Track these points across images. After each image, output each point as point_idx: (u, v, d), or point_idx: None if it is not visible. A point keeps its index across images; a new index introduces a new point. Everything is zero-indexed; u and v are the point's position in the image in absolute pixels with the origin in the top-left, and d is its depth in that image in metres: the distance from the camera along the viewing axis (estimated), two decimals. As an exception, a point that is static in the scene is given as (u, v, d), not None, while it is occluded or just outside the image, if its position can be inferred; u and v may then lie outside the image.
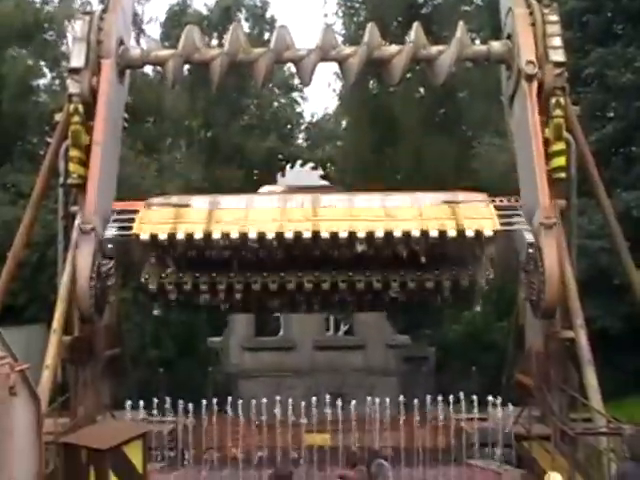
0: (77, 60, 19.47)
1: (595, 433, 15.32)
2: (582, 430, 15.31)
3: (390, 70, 20.89)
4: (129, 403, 18.51)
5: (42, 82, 36.74)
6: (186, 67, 23.86)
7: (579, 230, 20.98)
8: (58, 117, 20.18)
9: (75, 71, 19.40)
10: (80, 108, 19.02)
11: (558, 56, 19.25)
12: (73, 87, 19.21)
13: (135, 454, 11.38)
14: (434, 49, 20.50)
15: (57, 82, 36.35)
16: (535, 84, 19.14)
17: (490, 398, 18.12)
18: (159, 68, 28.64)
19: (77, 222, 18.49)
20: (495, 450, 18.04)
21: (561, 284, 17.61)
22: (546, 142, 18.97)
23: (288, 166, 26.53)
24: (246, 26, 39.25)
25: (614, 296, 23.04)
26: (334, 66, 22.96)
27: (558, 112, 18.86)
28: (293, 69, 34.85)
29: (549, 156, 18.95)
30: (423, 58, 20.93)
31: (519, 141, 20.32)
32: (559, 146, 18.89)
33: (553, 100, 18.88)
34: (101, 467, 10.74)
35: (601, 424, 15.38)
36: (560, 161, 18.92)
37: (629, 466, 8.43)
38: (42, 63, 36.39)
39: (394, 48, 20.70)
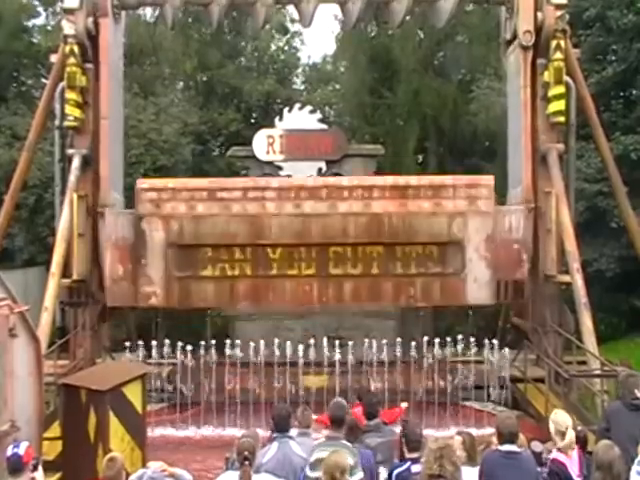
0: (72, 0, 19.17)
1: (589, 375, 15.54)
2: (576, 372, 15.51)
3: (391, 12, 20.61)
4: (128, 345, 18.76)
5: (36, 22, 36.11)
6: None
7: (577, 173, 20.96)
8: (53, 58, 19.98)
9: (70, 11, 19.13)
10: (76, 49, 18.81)
11: (559, -3, 18.98)
12: (68, 28, 18.96)
13: (134, 395, 11.49)
14: (435, -10, 20.16)
15: (52, 22, 35.69)
16: (530, 54, 19.00)
17: (486, 341, 18.34)
18: (153, 9, 28.45)
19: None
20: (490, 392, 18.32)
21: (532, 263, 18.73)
22: (546, 85, 18.90)
23: (286, 109, 26.18)
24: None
25: (611, 239, 23.11)
26: (333, 8, 22.60)
27: (558, 55, 18.68)
28: (292, 13, 34.48)
29: (548, 99, 18.87)
30: (425, 0, 20.61)
31: (511, 100, 20.37)
32: (559, 89, 18.75)
33: (553, 43, 18.68)
34: (101, 408, 10.84)
35: (595, 366, 15.56)
36: (559, 105, 18.81)
37: (615, 405, 8.58)
38: (36, 2, 35.68)
39: (395, -12, 20.32)
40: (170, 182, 19.58)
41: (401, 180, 19.28)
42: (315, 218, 18.47)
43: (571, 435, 7.55)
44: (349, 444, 7.42)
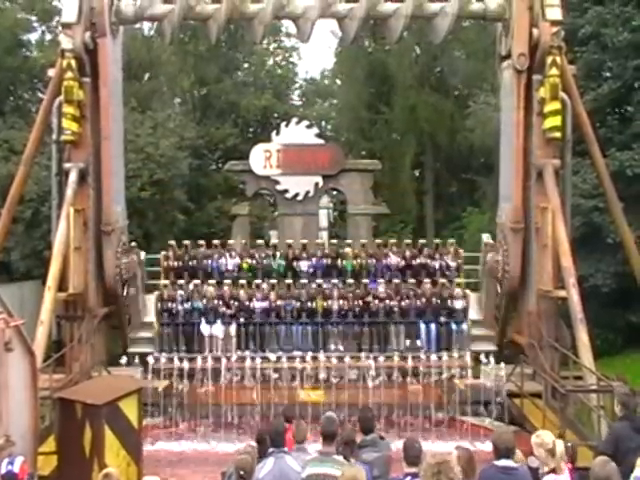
0: (69, 15, 19.24)
1: (586, 390, 15.50)
2: (573, 387, 15.49)
3: (389, 28, 20.69)
4: (124, 359, 18.73)
5: (32, 37, 36.22)
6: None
7: (573, 189, 21.02)
8: (51, 72, 20.00)
9: (67, 26, 19.19)
10: (73, 63, 18.86)
11: (555, 14, 19.09)
12: (66, 42, 19.01)
13: (130, 409, 11.45)
14: (433, 6, 20.24)
15: (48, 37, 35.81)
16: (524, 77, 19.17)
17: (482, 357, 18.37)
18: (151, 24, 28.58)
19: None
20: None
21: (520, 280, 19.52)
22: (542, 101, 19.02)
23: (283, 124, 26.26)
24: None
25: (606, 254, 23.12)
26: (331, 24, 22.73)
27: (554, 71, 18.77)
28: (290, 27, 34.64)
29: (544, 115, 18.97)
30: (422, 16, 20.72)
31: (505, 120, 20.57)
32: (555, 105, 18.84)
33: (549, 59, 18.78)
34: (96, 422, 10.80)
35: (592, 381, 15.54)
36: (555, 120, 18.90)
37: (621, 427, 8.45)
38: (32, 18, 35.79)
39: (393, 5, 20.42)
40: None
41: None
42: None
43: (560, 448, 7.50)
44: (341, 459, 7.40)
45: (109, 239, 19.79)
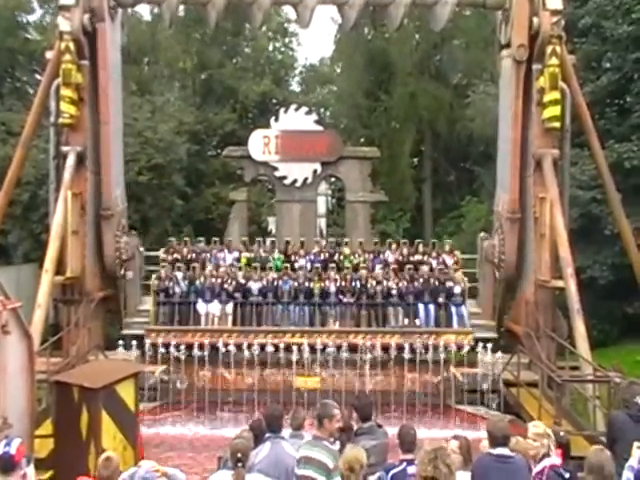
0: (68, -4, 19.14)
1: (582, 380, 15.58)
2: (569, 377, 15.55)
3: (389, 15, 20.64)
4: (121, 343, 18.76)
5: (31, 18, 36.01)
6: (181, 7, 23.44)
7: (571, 180, 21.03)
8: (49, 55, 19.90)
9: (66, 8, 19.08)
10: (71, 46, 18.77)
11: (555, 3, 19.02)
12: (64, 25, 18.92)
13: (127, 393, 11.45)
14: (434, -6, 20.19)
15: (47, 19, 35.62)
16: (524, 67, 19.14)
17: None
18: (151, 8, 28.42)
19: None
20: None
21: (516, 269, 19.81)
22: (541, 91, 18.98)
23: (282, 110, 26.18)
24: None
25: (604, 246, 23.15)
26: (330, 10, 22.64)
27: (554, 61, 18.71)
28: (290, 13, 34.47)
29: (544, 105, 18.94)
30: (422, 3, 20.65)
31: (503, 109, 20.56)
32: (554, 95, 18.80)
33: (549, 48, 18.72)
34: (93, 405, 10.79)
35: (588, 372, 15.59)
36: (555, 110, 18.86)
37: (620, 416, 8.45)
38: (31, -1, 35.63)
39: (394, -8, 20.35)
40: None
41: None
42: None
43: (547, 448, 7.52)
44: (330, 445, 7.43)
45: (109, 223, 19.89)
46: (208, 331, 19.46)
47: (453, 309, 20.09)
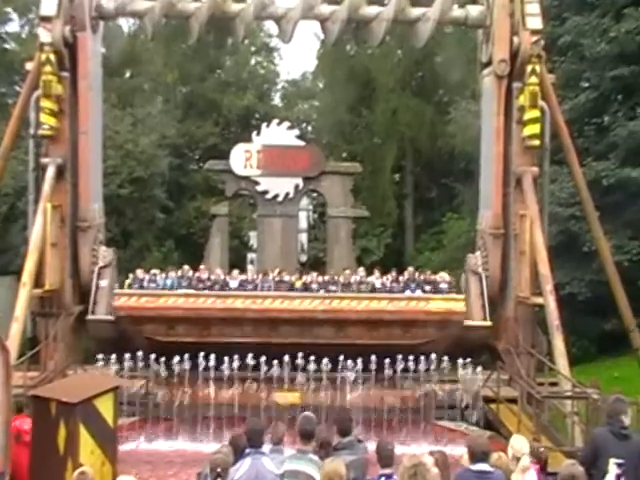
0: (48, 8, 19.10)
1: (561, 397, 15.64)
2: (548, 393, 15.60)
3: (371, 32, 20.79)
4: (101, 357, 18.54)
5: (10, 29, 35.72)
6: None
7: (551, 197, 21.21)
8: (29, 66, 19.84)
9: (46, 19, 19.06)
10: (52, 57, 18.75)
11: (535, 23, 19.29)
12: (45, 36, 18.87)
13: (106, 408, 11.32)
14: (415, 11, 20.39)
15: (26, 29, 35.40)
16: (505, 83, 19.36)
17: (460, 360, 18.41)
18: (134, 20, 28.41)
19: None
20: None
21: (499, 285, 19.83)
22: (521, 109, 19.17)
23: (264, 124, 26.22)
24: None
25: (583, 263, 23.33)
26: (313, 25, 22.75)
27: (534, 79, 18.97)
28: (272, 28, 34.52)
29: (524, 123, 19.13)
30: (404, 20, 20.80)
31: (485, 127, 20.73)
32: (534, 113, 19.04)
33: (529, 67, 18.99)
34: (71, 420, 10.66)
35: (567, 388, 15.67)
36: (534, 128, 19.09)
37: (602, 433, 8.46)
38: (8, 9, 35.31)
39: (376, 9, 20.52)
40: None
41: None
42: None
43: (525, 462, 7.60)
44: (316, 458, 7.41)
45: (85, 235, 19.69)
46: (182, 295, 19.25)
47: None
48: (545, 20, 20.27)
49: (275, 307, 19.06)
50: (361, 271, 21.13)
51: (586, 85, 26.14)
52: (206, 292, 19.67)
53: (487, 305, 19.74)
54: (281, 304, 19.16)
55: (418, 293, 19.96)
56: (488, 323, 19.21)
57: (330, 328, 18.81)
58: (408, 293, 19.97)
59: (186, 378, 18.23)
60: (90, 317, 19.40)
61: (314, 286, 20.18)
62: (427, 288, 20.05)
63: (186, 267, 20.88)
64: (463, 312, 19.16)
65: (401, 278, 20.50)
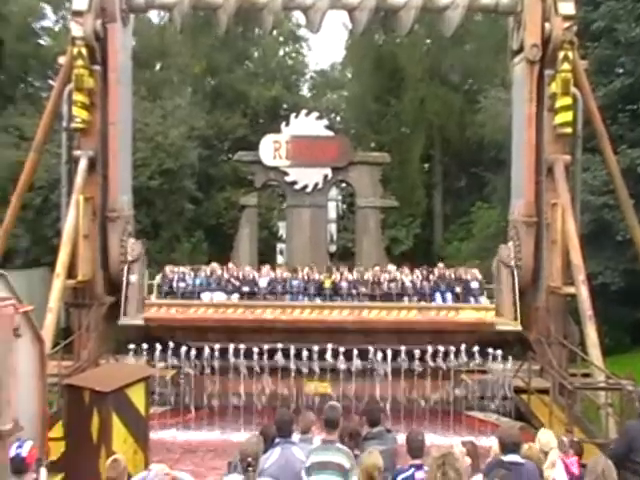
0: (80, 2, 19.28)
1: (594, 388, 15.47)
2: (581, 384, 15.45)
3: (400, 19, 20.68)
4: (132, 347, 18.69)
5: (44, 24, 36.18)
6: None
7: (583, 185, 20.94)
8: (61, 60, 20.06)
9: (78, 14, 19.22)
10: (84, 51, 18.93)
11: (567, 9, 19.01)
12: (76, 30, 19.06)
13: (138, 397, 11.47)
14: (444, -1, 20.22)
15: (60, 24, 35.78)
16: (537, 68, 19.10)
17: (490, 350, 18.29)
18: (163, 13, 28.53)
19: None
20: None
21: (532, 275, 19.67)
22: (553, 96, 18.94)
23: (293, 115, 26.21)
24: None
25: (616, 252, 22.99)
26: (341, 15, 22.65)
27: (566, 66, 18.73)
28: (300, 18, 34.51)
29: (556, 111, 18.90)
30: (433, 8, 20.66)
31: (517, 115, 20.49)
32: (566, 101, 18.80)
33: (561, 54, 18.74)
34: (104, 409, 10.82)
35: (600, 379, 15.50)
36: (566, 116, 18.85)
37: (636, 426, 8.34)
38: (44, 4, 35.75)
39: (404, -3, 20.38)
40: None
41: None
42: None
43: (553, 457, 7.54)
44: (344, 447, 7.40)
45: (114, 226, 19.91)
46: (212, 305, 19.28)
47: (471, 300, 19.73)
48: (578, 5, 19.97)
49: (304, 318, 18.94)
50: (390, 267, 20.98)
51: (620, 71, 25.65)
52: (236, 302, 19.58)
53: (518, 301, 19.60)
54: (310, 314, 19.06)
55: (448, 296, 19.75)
56: (519, 327, 19.05)
57: (359, 336, 18.70)
58: (438, 297, 19.79)
59: (217, 368, 18.34)
60: (122, 322, 19.52)
61: (343, 284, 20.06)
62: (458, 290, 19.86)
63: (215, 264, 20.86)
64: (493, 322, 18.99)
65: (431, 277, 20.34)
